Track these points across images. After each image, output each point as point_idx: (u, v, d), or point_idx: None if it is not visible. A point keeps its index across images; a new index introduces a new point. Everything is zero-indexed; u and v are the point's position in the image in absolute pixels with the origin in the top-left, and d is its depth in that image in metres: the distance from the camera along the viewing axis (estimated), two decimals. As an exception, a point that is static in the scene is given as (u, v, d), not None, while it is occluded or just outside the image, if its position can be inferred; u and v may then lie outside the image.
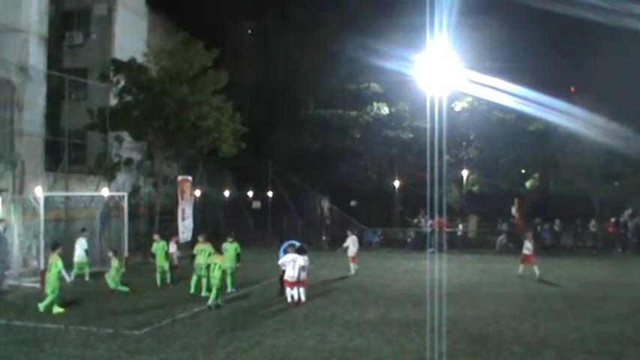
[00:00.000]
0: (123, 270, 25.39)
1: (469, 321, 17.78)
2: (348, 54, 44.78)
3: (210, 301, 19.83)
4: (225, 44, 44.67)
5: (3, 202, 27.08)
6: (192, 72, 33.86)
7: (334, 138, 47.04)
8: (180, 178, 36.14)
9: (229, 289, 22.68)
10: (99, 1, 39.03)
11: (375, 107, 47.30)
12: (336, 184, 49.25)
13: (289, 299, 20.51)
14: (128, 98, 33.87)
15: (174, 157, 36.81)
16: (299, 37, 48.07)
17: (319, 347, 14.87)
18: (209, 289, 21.05)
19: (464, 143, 46.75)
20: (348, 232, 30.27)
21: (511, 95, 38.03)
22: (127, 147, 35.89)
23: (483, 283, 25.95)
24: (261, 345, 15.03)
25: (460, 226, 43.12)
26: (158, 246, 25.23)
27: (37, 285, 24.37)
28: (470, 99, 44.35)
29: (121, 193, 32.28)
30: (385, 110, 47.24)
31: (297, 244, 22.09)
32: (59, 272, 19.53)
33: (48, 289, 19.37)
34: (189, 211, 36.16)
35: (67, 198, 31.10)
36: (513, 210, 46.68)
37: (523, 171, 48.87)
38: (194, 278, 22.70)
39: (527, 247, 28.00)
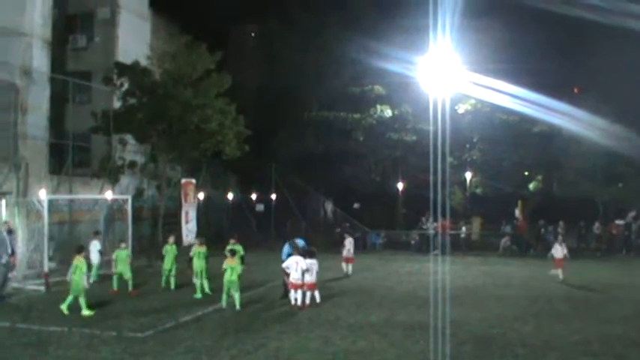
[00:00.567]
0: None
1: (473, 323, 17.76)
2: (351, 56, 44.85)
3: (237, 307, 19.77)
4: (228, 47, 44.85)
5: (7, 205, 27.15)
6: (195, 75, 33.91)
7: (337, 140, 47.08)
8: (183, 180, 36.22)
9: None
10: (102, 4, 39.12)
11: (379, 110, 47.35)
12: (340, 186, 49.29)
13: (293, 302, 20.49)
14: (132, 101, 33.93)
15: (178, 159, 36.86)
16: (302, 40, 48.15)
17: (323, 350, 14.86)
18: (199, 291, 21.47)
19: (467, 145, 46.75)
20: (346, 235, 30.43)
21: (514, 97, 38.02)
22: (130, 150, 35.94)
23: (487, 286, 25.93)
24: (265, 347, 15.02)
25: (463, 229, 43.14)
26: (170, 249, 25.06)
27: (41, 288, 24.41)
28: (473, 101, 44.38)
29: (124, 196, 32.29)
30: (388, 113, 47.28)
31: (301, 242, 22.16)
32: (84, 275, 19.52)
33: (72, 292, 19.33)
34: (192, 214, 36.24)
35: (71, 201, 31.15)
36: (517, 212, 46.61)
37: (526, 173, 48.84)
38: (198, 282, 22.73)
39: (558, 250, 27.50)
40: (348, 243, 29.45)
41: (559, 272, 26.94)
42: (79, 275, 19.30)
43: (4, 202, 27.00)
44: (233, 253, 20.81)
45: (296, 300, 20.47)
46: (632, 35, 31.97)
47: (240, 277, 20.07)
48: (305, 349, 14.96)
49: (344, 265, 28.96)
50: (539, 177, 48.31)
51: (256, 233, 44.79)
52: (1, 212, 26.98)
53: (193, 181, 37.02)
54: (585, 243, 41.75)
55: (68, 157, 31.67)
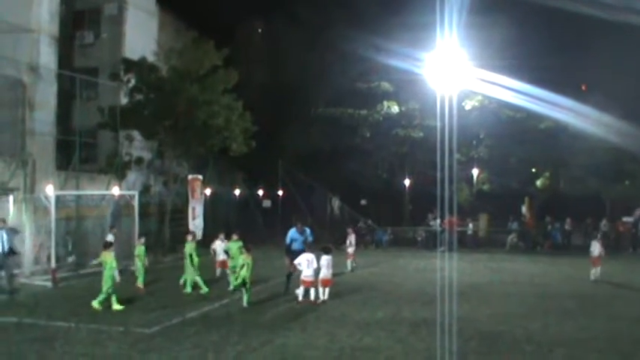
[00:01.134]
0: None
1: (480, 320, 17.75)
2: (358, 53, 44.84)
3: (245, 303, 19.78)
4: (235, 43, 44.81)
5: (14, 201, 27.22)
6: (202, 71, 33.94)
7: (344, 137, 47.15)
8: (190, 176, 36.22)
9: (231, 288, 22.67)
10: (109, 0, 39.11)
11: (386, 106, 47.42)
12: (347, 182, 49.30)
13: (300, 298, 20.45)
14: (139, 97, 33.98)
15: (185, 155, 36.88)
16: (309, 37, 48.21)
17: (329, 346, 14.86)
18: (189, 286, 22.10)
19: (474, 142, 46.78)
20: (349, 230, 30.54)
21: (521, 94, 37.97)
22: (137, 146, 35.98)
23: (494, 282, 25.90)
24: (271, 344, 15.03)
25: (470, 225, 43.08)
26: (190, 246, 24.89)
27: (48, 283, 24.49)
28: (480, 97, 44.40)
29: (131, 192, 32.34)
30: (395, 109, 47.35)
31: (307, 230, 22.32)
32: (113, 270, 19.50)
33: (103, 288, 19.35)
34: (199, 210, 36.23)
35: (78, 197, 31.21)
36: (524, 209, 46.56)
37: (533, 170, 48.82)
38: (198, 278, 22.75)
39: (596, 247, 26.85)
40: (352, 238, 29.76)
41: (594, 271, 26.37)
42: (109, 271, 19.28)
43: (11, 198, 27.07)
44: (248, 248, 20.85)
45: (304, 296, 20.46)
46: (639, 32, 31.85)
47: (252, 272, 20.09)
48: (311, 345, 14.96)
49: (349, 261, 29.27)
50: (547, 174, 48.31)
51: (263, 229, 44.78)
52: (8, 208, 27.07)
53: (200, 177, 37.00)
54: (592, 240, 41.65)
55: (75, 153, 31.68)
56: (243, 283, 19.76)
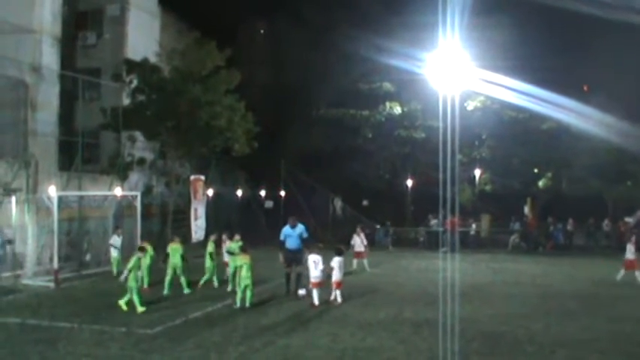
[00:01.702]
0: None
1: (482, 320, 17.76)
2: (360, 54, 44.82)
3: (247, 303, 19.76)
4: (237, 44, 44.78)
5: (17, 202, 27.26)
6: (204, 72, 33.99)
7: (346, 137, 47.16)
8: (192, 177, 36.21)
9: (229, 288, 22.69)
10: (112, 1, 39.10)
11: (388, 107, 47.43)
12: (349, 183, 49.26)
13: (316, 302, 20.35)
14: (141, 98, 34.00)
15: (187, 156, 36.91)
16: (311, 37, 48.19)
17: (332, 347, 14.88)
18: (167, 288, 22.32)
19: (476, 142, 46.77)
20: (358, 229, 30.73)
21: (523, 94, 37.94)
22: (139, 146, 35.99)
23: (496, 283, 25.91)
24: (273, 344, 15.05)
25: (473, 226, 43.09)
26: (212, 246, 24.87)
27: (51, 284, 24.52)
28: (482, 98, 44.39)
29: (133, 193, 32.36)
30: (397, 109, 47.35)
31: (301, 226, 22.47)
32: (137, 271, 19.46)
33: (130, 289, 19.29)
34: (201, 211, 36.22)
35: (81, 197, 31.26)
36: (526, 209, 46.55)
37: (536, 170, 48.77)
38: (168, 278, 22.88)
39: (631, 250, 26.56)
40: (364, 238, 30.18)
41: (625, 272, 26.10)
42: (135, 273, 19.22)
43: (14, 199, 27.11)
44: (244, 249, 20.86)
45: (308, 296, 20.41)
46: (642, 33, 31.84)
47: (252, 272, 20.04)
48: (313, 346, 14.98)
49: (364, 261, 29.47)
50: (549, 174, 48.27)
51: (265, 230, 44.78)
52: (11, 209, 27.12)
53: (202, 177, 36.99)
54: (594, 240, 41.65)
55: (77, 153, 31.71)
56: (245, 285, 19.75)
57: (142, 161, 35.85)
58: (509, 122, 44.75)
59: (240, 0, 51.16)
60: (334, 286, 20.57)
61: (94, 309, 19.61)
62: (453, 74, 15.94)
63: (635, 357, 14.41)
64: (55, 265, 25.11)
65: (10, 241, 26.52)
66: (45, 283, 25.05)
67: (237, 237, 24.26)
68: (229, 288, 22.66)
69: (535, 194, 48.32)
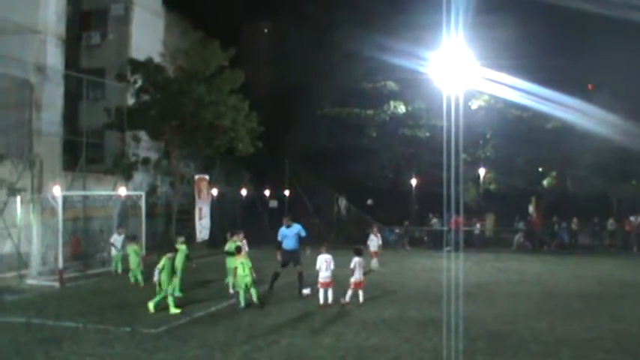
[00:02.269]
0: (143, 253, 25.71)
1: (486, 319, 17.73)
2: (364, 53, 44.83)
3: (255, 301, 19.72)
4: (241, 44, 44.87)
5: (22, 202, 27.31)
6: (208, 71, 34.05)
7: (351, 137, 47.12)
8: (197, 177, 36.26)
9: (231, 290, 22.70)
10: (116, 1, 39.20)
11: (392, 106, 47.42)
12: (353, 182, 49.27)
13: (322, 301, 20.30)
14: (145, 98, 34.06)
15: (192, 156, 37.01)
16: (315, 37, 48.20)
17: (336, 346, 14.87)
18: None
19: (481, 142, 46.75)
20: (374, 229, 31.08)
21: (527, 93, 37.94)
22: (144, 146, 36.03)
23: (500, 282, 25.87)
24: (277, 344, 15.05)
25: (477, 225, 43.07)
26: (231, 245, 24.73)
27: (56, 284, 24.56)
28: (486, 97, 44.38)
29: (138, 193, 32.39)
30: (402, 109, 47.34)
31: (298, 225, 22.45)
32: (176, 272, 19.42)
33: (161, 289, 19.25)
34: (206, 210, 36.28)
35: (85, 197, 31.34)
36: (530, 208, 46.52)
37: (540, 169, 48.77)
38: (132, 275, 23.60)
39: None
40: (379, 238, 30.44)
41: None
42: (167, 274, 19.13)
43: (18, 198, 27.16)
44: (239, 249, 20.84)
45: (325, 299, 20.34)
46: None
47: (251, 270, 19.98)
48: (318, 345, 14.98)
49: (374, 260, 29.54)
50: (553, 173, 48.30)
51: (269, 229, 44.78)
52: (15, 209, 27.17)
53: (207, 177, 37.04)
54: (599, 240, 41.60)
55: (82, 153, 31.77)
56: (245, 283, 19.72)
57: (146, 161, 35.88)
58: (514, 121, 44.74)
59: (244, 0, 51.26)
60: (354, 286, 20.29)
61: (98, 308, 19.63)
62: (457, 73, 15.93)
63: (640, 356, 14.41)
64: (60, 264, 25.14)
65: None
66: (50, 282, 25.08)
67: (236, 237, 24.15)
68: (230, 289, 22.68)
69: (540, 193, 48.33)
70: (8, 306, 20.51)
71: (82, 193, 31.06)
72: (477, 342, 15.06)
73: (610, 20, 30.95)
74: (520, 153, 45.85)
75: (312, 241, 25.44)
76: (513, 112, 44.48)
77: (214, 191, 39.93)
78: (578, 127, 41.10)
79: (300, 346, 14.89)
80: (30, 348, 14.75)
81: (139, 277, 24.29)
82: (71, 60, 34.70)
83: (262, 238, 32.67)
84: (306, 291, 21.55)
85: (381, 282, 25.33)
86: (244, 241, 23.49)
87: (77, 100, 34.67)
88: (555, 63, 39.93)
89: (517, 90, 37.85)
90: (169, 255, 19.79)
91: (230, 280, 22.69)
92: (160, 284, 18.95)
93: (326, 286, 20.26)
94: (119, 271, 27.23)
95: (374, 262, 29.29)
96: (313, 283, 20.92)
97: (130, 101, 35.02)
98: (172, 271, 19.58)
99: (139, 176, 36.01)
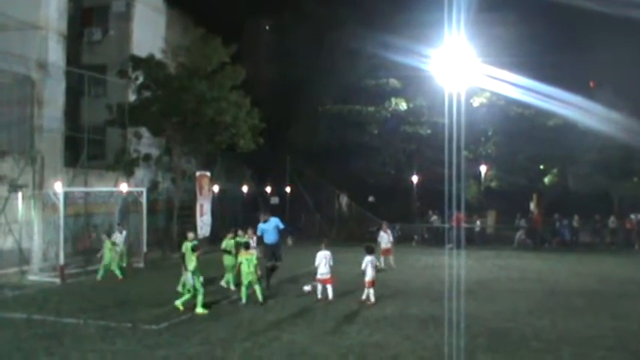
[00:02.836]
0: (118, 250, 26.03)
1: (488, 317, 17.73)
2: (366, 50, 44.84)
3: (260, 298, 19.72)
4: (242, 40, 44.79)
5: (23, 198, 27.34)
6: (210, 68, 34.05)
7: (352, 133, 47.09)
8: (198, 173, 36.27)
9: (228, 286, 22.70)
10: (117, -3, 39.24)
11: (393, 103, 47.38)
12: (354, 179, 49.25)
13: (320, 296, 20.36)
14: (147, 94, 34.05)
15: (193, 152, 37.00)
16: (317, 33, 48.15)
17: (337, 343, 14.88)
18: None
19: (482, 139, 46.67)
20: (384, 226, 30.77)
21: (529, 90, 37.90)
22: (145, 143, 36.04)
23: (502, 279, 25.87)
24: (279, 340, 15.07)
25: (478, 222, 43.07)
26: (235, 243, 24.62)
27: (57, 280, 24.59)
28: (488, 94, 44.31)
29: (139, 189, 32.42)
30: (403, 106, 47.30)
31: (275, 219, 22.66)
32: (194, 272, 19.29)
33: (185, 289, 19.12)
34: (207, 207, 36.30)
35: (87, 193, 31.38)
36: (532, 206, 46.51)
37: (542, 167, 48.70)
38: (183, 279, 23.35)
39: None
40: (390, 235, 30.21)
41: None
42: (197, 274, 18.94)
43: (20, 195, 27.20)
44: (247, 245, 20.83)
45: (324, 295, 20.35)
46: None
47: (257, 267, 19.97)
48: (319, 342, 14.98)
49: (390, 258, 29.42)
50: (555, 171, 48.20)
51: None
52: (17, 205, 27.20)
53: (208, 173, 37.05)
54: (600, 237, 41.59)
55: (83, 150, 31.81)
56: (249, 281, 19.71)
57: (147, 157, 35.90)
58: (515, 118, 44.68)
59: (246, -4, 51.24)
60: (368, 285, 20.13)
61: (99, 305, 19.66)
62: (459, 70, 15.95)
63: (641, 354, 14.41)
64: (61, 261, 25.16)
65: None
66: (51, 278, 25.13)
67: (240, 232, 24.13)
68: (223, 283, 22.71)
69: (541, 191, 48.28)
70: (9, 302, 20.55)
71: (83, 189, 31.11)
72: (478, 339, 15.06)
73: (612, 17, 30.96)
74: (521, 150, 45.77)
75: (313, 238, 25.46)
76: (515, 110, 44.42)
77: (215, 188, 39.95)
78: (580, 125, 41.04)
79: (301, 342, 14.90)
80: (31, 344, 14.77)
81: (117, 271, 25.04)
82: (73, 56, 34.71)
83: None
84: (307, 288, 21.58)
85: (382, 279, 25.25)
86: (254, 238, 23.46)
87: (79, 97, 34.69)
88: (557, 60, 39.84)
89: (519, 87, 37.82)
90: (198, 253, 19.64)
91: (228, 277, 22.73)
92: (194, 287, 18.91)
93: (325, 282, 20.31)
94: (123, 264, 27.51)
95: (386, 261, 29.12)
96: (312, 280, 20.97)
97: (132, 98, 35.03)
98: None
99: (140, 172, 36.02)
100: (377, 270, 20.85)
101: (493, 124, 45.94)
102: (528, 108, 42.98)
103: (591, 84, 49.26)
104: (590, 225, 42.10)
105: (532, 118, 44.24)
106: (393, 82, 47.92)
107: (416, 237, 43.20)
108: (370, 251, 20.79)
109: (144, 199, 31.27)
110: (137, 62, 34.11)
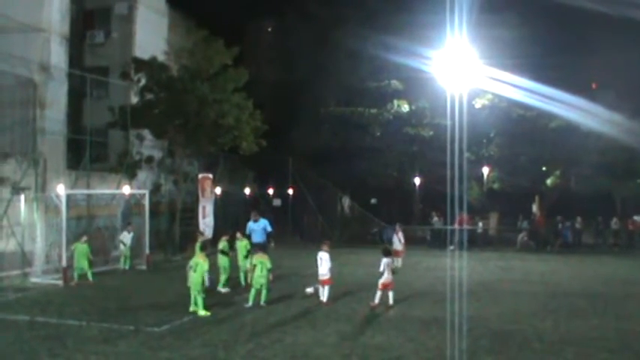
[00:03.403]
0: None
1: (490, 318, 17.73)
2: (369, 52, 44.79)
3: (262, 302, 19.71)
4: (245, 42, 44.78)
5: (26, 200, 27.36)
6: (212, 70, 34.03)
7: (354, 135, 47.09)
8: (201, 175, 36.26)
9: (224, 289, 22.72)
10: (120, -1, 39.22)
11: (396, 105, 47.40)
12: (357, 181, 49.24)
13: (321, 297, 20.35)
14: (149, 96, 34.01)
15: (195, 154, 36.99)
16: (319, 35, 48.10)
17: (340, 344, 14.88)
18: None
19: (484, 140, 46.65)
20: (397, 227, 30.77)
21: (532, 92, 37.90)
22: (148, 145, 36.00)
23: (504, 281, 25.87)
24: (281, 342, 15.06)
25: (480, 224, 43.07)
26: (241, 244, 24.26)
27: (59, 282, 24.62)
28: (490, 96, 44.29)
29: (142, 191, 32.44)
30: (405, 108, 47.32)
31: (264, 221, 23.57)
32: (205, 273, 19.18)
33: (193, 290, 18.95)
34: (209, 209, 36.26)
35: (89, 196, 31.36)
36: (534, 207, 46.51)
37: (544, 168, 48.65)
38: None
39: None
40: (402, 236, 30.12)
41: None
42: (200, 273, 18.82)
43: (22, 197, 27.21)
44: (263, 248, 20.89)
45: (325, 297, 20.35)
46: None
47: (269, 272, 19.92)
48: (321, 343, 14.98)
49: (399, 260, 29.13)
50: (557, 172, 48.13)
51: (273, 228, 44.78)
52: (19, 207, 27.22)
53: (210, 175, 37.02)
54: (603, 239, 41.59)
55: (86, 152, 31.79)
56: (261, 284, 19.68)
57: (150, 159, 35.88)
58: (518, 120, 44.66)
59: (248, -2, 51.23)
60: (382, 287, 19.73)
61: (102, 307, 19.68)
62: (461, 72, 15.95)
63: (644, 355, 14.40)
64: (64, 263, 25.18)
65: None
66: (54, 280, 25.15)
67: (239, 234, 24.20)
68: (220, 288, 22.71)
69: (543, 192, 48.27)
70: (12, 304, 20.58)
71: (85, 191, 31.09)
72: (481, 341, 15.06)
73: (614, 19, 30.94)
74: (524, 152, 45.74)
75: (316, 240, 25.45)
76: (517, 111, 44.39)
77: (218, 190, 39.93)
78: (582, 126, 41.02)
79: (304, 344, 14.90)
80: (34, 346, 14.78)
81: (88, 274, 25.14)
82: (75, 58, 34.70)
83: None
84: (309, 289, 21.58)
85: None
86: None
87: (81, 99, 34.73)
88: (559, 62, 39.82)
89: (521, 89, 37.82)
90: (205, 253, 19.65)
91: (222, 278, 22.78)
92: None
93: (325, 283, 20.30)
94: (127, 267, 27.62)
95: (397, 261, 29.10)
96: (315, 282, 20.96)
97: (134, 100, 35.00)
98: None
99: (142, 175, 35.98)
100: (393, 272, 20.69)
101: (495, 126, 45.92)
102: (530, 110, 42.95)
103: (593, 86, 49.27)
104: (592, 227, 42.15)
105: (534, 119, 44.21)
106: (396, 83, 47.93)
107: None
108: (387, 253, 20.57)
109: (146, 202, 31.30)
110: (139, 64, 34.10)
